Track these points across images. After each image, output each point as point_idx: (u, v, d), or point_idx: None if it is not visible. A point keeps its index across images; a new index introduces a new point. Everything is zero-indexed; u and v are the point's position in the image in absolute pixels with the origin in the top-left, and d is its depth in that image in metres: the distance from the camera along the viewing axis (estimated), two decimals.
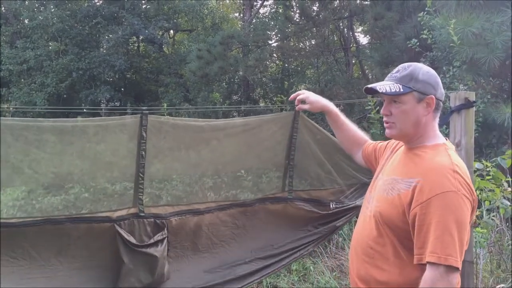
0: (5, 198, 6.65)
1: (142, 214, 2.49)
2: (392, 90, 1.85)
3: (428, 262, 1.65)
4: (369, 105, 6.59)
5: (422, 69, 1.89)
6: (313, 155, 2.93)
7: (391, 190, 1.86)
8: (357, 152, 2.53)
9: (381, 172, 2.06)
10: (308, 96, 2.54)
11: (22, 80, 15.21)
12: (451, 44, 5.80)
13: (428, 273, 1.65)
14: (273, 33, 14.15)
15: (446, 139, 1.95)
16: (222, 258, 2.76)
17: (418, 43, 6.88)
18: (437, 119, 1.93)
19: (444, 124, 3.19)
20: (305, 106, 2.55)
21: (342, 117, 2.54)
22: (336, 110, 2.54)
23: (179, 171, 2.69)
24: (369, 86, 1.91)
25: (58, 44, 15.61)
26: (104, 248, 2.44)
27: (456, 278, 1.68)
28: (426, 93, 1.86)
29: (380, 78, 10.24)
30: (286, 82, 16.27)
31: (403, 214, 1.77)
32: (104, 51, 16.28)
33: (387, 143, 2.28)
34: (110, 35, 15.61)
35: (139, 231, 2.48)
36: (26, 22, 16.29)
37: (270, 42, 13.93)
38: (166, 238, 2.54)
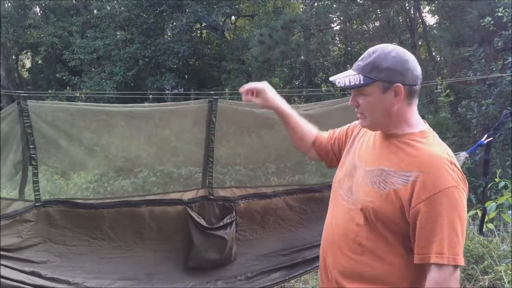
0: (79, 181, 7.04)
1: (212, 197, 2.56)
2: (352, 83, 1.70)
3: (434, 263, 1.57)
4: (440, 88, 6.34)
5: (389, 54, 1.68)
6: None
7: (383, 184, 1.69)
8: (310, 148, 2.21)
9: (357, 159, 1.86)
10: (265, 89, 2.08)
11: (93, 69, 15.90)
12: None
13: (437, 275, 1.58)
14: (336, 16, 13.85)
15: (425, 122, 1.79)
16: (291, 242, 2.78)
17: (492, 22, 6.49)
18: (414, 105, 1.74)
19: None
20: (256, 100, 2.09)
21: (295, 116, 2.17)
22: (290, 111, 2.15)
23: (242, 156, 2.71)
24: (331, 78, 1.79)
25: (125, 33, 16.14)
26: (176, 231, 2.53)
27: (459, 274, 1.62)
28: (392, 82, 1.67)
29: (450, 59, 9.80)
30: (349, 66, 15.87)
31: (400, 210, 1.64)
32: (169, 38, 16.66)
33: (347, 128, 2.08)
34: (175, 23, 15.94)
35: (209, 213, 2.56)
36: (95, 12, 16.97)
37: (332, 25, 13.68)
38: (235, 221, 2.60)
